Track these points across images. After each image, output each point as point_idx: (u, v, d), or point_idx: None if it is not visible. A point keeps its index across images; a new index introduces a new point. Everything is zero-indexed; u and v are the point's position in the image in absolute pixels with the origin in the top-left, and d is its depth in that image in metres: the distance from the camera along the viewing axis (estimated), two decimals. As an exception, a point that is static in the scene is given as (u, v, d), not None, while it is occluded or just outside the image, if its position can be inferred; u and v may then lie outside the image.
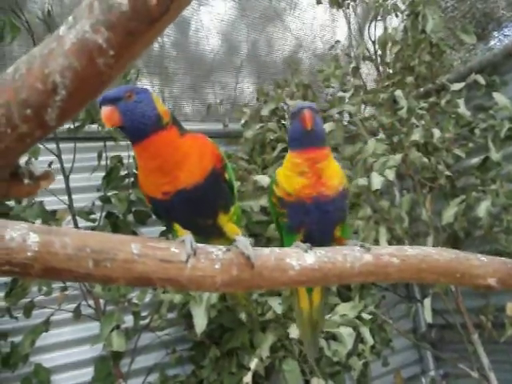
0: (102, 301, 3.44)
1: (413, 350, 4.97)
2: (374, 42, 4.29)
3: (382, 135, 3.66)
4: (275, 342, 3.07)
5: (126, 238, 1.23)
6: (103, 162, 3.70)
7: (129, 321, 3.36)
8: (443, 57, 4.10)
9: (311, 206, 1.50)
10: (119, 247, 1.16)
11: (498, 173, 3.51)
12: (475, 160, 3.68)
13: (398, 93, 3.72)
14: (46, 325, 3.20)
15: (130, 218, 3.75)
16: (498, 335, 3.54)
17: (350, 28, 4.69)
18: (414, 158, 3.52)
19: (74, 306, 3.41)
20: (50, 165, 3.24)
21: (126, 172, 3.75)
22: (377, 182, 3.22)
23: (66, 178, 3.47)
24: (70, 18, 0.95)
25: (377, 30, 4.28)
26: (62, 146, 3.50)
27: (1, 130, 1.00)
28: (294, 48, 4.83)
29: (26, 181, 1.22)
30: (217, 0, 4.17)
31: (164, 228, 3.45)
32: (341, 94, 4.04)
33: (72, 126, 3.47)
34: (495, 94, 3.63)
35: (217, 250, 1.29)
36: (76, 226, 3.44)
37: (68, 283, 3.38)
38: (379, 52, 4.27)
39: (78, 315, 3.41)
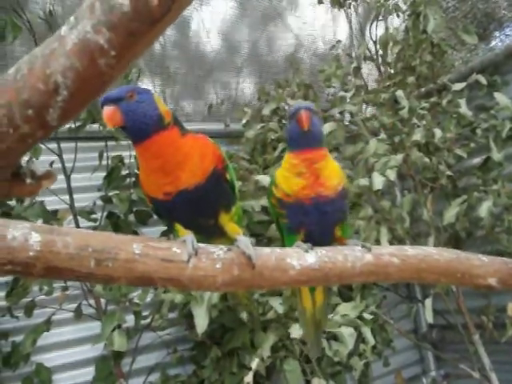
0: (103, 300, 3.45)
1: (414, 350, 4.95)
2: (375, 42, 4.28)
3: (383, 135, 3.65)
4: (276, 342, 3.07)
5: (127, 237, 1.23)
6: (104, 162, 3.70)
7: (130, 320, 3.35)
8: (444, 57, 4.10)
9: (310, 206, 1.49)
10: (121, 247, 1.16)
11: (500, 173, 3.51)
12: (477, 160, 3.68)
13: (400, 93, 3.71)
14: (47, 324, 3.20)
15: (131, 217, 3.75)
16: (499, 335, 3.53)
17: (351, 28, 4.68)
18: (415, 158, 3.52)
19: (75, 305, 3.42)
20: (51, 164, 3.24)
21: (127, 172, 3.75)
22: (378, 182, 3.22)
23: (67, 178, 3.48)
24: (72, 19, 0.96)
25: (378, 30, 4.27)
26: (63, 145, 3.51)
27: (2, 131, 1.00)
28: (295, 48, 4.82)
29: (28, 180, 1.22)
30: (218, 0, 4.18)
31: (165, 228, 3.45)
32: (342, 93, 4.03)
33: (73, 126, 3.47)
34: (496, 94, 3.62)
35: (218, 250, 1.29)
36: (77, 225, 3.44)
37: (69, 283, 3.38)
38: (380, 52, 4.26)
39: (79, 315, 3.42)
